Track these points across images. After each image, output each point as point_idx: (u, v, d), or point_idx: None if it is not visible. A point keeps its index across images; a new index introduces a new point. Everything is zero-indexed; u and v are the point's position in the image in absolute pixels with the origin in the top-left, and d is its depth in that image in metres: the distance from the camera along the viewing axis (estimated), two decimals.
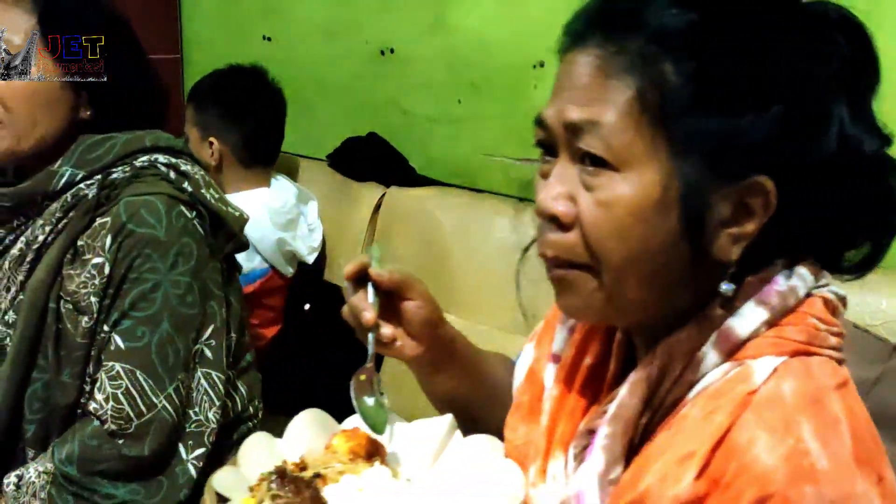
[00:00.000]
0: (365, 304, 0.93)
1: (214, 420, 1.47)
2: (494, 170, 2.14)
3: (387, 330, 0.95)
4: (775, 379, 0.67)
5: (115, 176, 1.44)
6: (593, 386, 0.83)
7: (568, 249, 0.73)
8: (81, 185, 1.44)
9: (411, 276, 0.97)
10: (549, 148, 0.76)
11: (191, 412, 1.45)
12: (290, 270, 2.22)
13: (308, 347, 2.20)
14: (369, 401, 0.92)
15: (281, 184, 2.29)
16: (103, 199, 1.42)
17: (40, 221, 1.46)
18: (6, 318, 1.47)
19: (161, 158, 1.47)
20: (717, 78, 0.69)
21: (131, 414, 1.38)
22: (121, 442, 1.38)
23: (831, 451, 0.64)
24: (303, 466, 0.85)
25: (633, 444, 0.73)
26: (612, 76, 0.70)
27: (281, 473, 0.81)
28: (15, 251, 1.49)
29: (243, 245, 1.61)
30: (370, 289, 0.95)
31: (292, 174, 2.47)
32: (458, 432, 0.94)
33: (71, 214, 1.43)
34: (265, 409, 1.67)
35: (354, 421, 0.94)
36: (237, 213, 1.54)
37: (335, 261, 2.34)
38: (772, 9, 0.72)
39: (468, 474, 0.87)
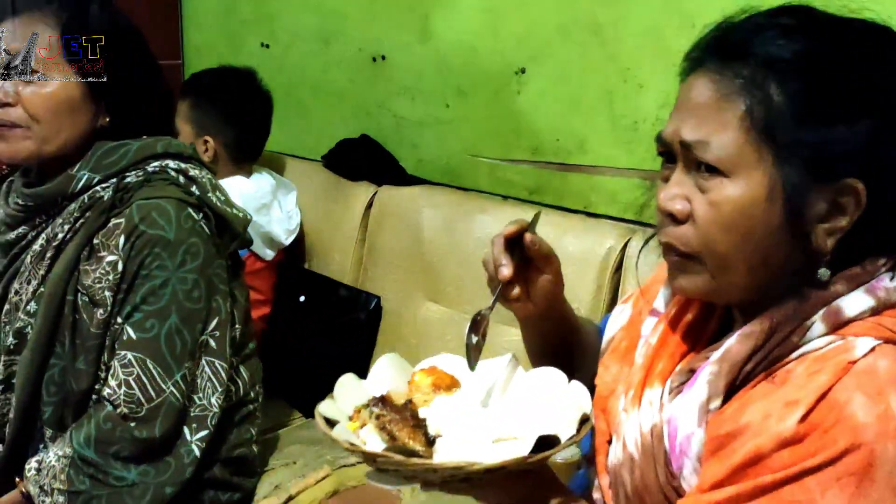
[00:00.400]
0: (506, 261, 0.99)
1: (217, 405, 1.55)
2: (479, 169, 2.19)
3: (515, 290, 1.02)
4: (873, 356, 0.77)
5: (128, 180, 1.52)
6: (692, 337, 0.96)
7: (682, 240, 0.86)
8: (98, 188, 1.52)
9: (554, 253, 1.05)
10: (668, 156, 0.89)
11: (195, 397, 1.53)
12: (268, 253, 2.27)
13: (302, 337, 2.26)
14: (474, 338, 1.00)
15: (260, 175, 2.34)
16: (118, 202, 1.50)
17: (60, 220, 1.54)
18: (28, 308, 1.55)
19: (171, 164, 1.55)
20: (816, 97, 0.80)
21: (142, 399, 1.47)
22: (132, 425, 1.46)
23: None
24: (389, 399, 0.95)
25: (734, 386, 0.84)
26: (725, 96, 0.82)
27: (381, 399, 0.92)
28: (36, 247, 1.57)
29: (247, 243, 1.70)
30: (516, 249, 1.01)
31: (289, 174, 2.51)
32: (521, 368, 1.04)
33: (88, 215, 1.52)
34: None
35: (428, 362, 1.05)
36: (241, 215, 1.63)
37: (330, 255, 2.38)
38: (865, 38, 0.84)
39: (538, 396, 0.98)
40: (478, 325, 1.01)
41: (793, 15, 0.85)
